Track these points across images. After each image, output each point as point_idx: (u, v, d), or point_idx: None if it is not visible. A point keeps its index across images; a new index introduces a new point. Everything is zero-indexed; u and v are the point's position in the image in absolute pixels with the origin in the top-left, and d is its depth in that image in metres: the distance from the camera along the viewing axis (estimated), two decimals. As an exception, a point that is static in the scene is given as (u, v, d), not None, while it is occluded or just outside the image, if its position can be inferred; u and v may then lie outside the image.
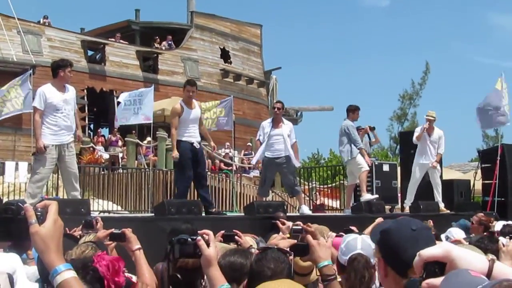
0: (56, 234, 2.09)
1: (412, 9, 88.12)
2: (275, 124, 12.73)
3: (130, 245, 4.00)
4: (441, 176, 14.73)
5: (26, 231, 2.09)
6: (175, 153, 10.95)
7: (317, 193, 21.87)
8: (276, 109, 12.84)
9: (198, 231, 3.24)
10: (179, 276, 3.40)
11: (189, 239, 3.14)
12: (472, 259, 1.66)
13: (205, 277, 3.23)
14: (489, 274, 1.60)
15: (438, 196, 14.31)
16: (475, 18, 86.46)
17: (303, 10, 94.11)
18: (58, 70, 9.73)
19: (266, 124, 12.85)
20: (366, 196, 13.41)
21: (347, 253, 4.01)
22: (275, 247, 3.41)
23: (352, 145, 13.56)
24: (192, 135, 11.20)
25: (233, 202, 19.88)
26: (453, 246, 1.73)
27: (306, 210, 12.60)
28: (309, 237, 3.44)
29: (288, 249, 3.29)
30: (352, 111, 13.82)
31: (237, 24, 35.24)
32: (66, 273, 2.05)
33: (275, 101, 13.51)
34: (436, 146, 14.32)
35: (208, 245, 3.11)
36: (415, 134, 14.34)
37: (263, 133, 12.65)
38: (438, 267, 1.68)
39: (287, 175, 12.86)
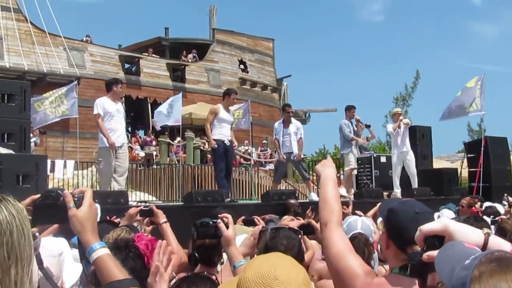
0: (91, 217, 2.09)
1: (403, 22, 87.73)
2: (286, 124, 12.94)
3: (158, 219, 3.97)
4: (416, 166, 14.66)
5: (64, 215, 2.08)
6: (213, 143, 11.25)
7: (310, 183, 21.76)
8: (287, 112, 13.04)
9: (219, 215, 3.22)
10: (196, 254, 3.41)
11: (211, 222, 3.17)
12: (468, 233, 1.62)
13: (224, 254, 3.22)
14: (484, 246, 1.56)
15: (413, 177, 14.24)
16: (457, 27, 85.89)
17: (309, 25, 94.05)
18: (112, 86, 10.42)
19: (277, 124, 13.14)
20: (341, 191, 13.33)
21: (348, 233, 3.98)
22: (287, 226, 3.38)
23: (344, 142, 13.77)
24: (224, 134, 11.50)
25: (251, 191, 19.87)
26: (450, 221, 1.70)
27: (314, 196, 12.56)
28: (313, 221, 3.41)
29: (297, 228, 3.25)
30: (348, 109, 14.10)
31: (252, 39, 35.21)
32: (101, 251, 2.04)
33: (285, 104, 13.55)
34: (405, 137, 14.24)
35: (227, 227, 3.13)
36: (390, 126, 14.32)
37: (276, 133, 13.00)
38: (437, 240, 1.65)
39: (297, 165, 13.23)
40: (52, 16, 25.68)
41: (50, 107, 17.12)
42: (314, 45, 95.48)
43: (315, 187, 13.91)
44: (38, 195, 2.13)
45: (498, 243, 1.56)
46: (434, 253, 1.57)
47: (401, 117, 14.37)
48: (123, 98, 26.48)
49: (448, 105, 17.00)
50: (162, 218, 3.96)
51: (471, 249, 1.46)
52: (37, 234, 2.16)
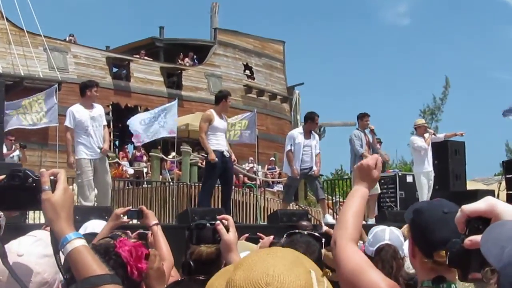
0: (66, 203, 2.05)
1: (431, 27, 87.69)
2: (307, 135, 12.85)
3: (148, 221, 4.06)
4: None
5: (33, 199, 2.05)
6: (213, 156, 11.12)
7: (341, 207, 21.74)
8: (316, 123, 13.18)
9: (217, 216, 3.18)
10: (191, 263, 3.28)
11: (208, 224, 3.07)
12: None
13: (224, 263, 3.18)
14: None
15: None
16: (491, 32, 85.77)
17: (326, 26, 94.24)
18: (85, 90, 10.62)
19: (297, 134, 12.91)
20: (369, 221, 13.15)
21: (375, 244, 3.96)
22: (305, 232, 3.36)
23: (355, 157, 13.50)
24: (221, 144, 11.49)
25: (257, 215, 19.83)
26: (498, 200, 1.63)
27: (330, 219, 12.54)
28: (331, 230, 3.41)
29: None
30: (360, 118, 13.83)
31: (260, 41, 35.30)
32: (77, 241, 1.99)
33: (312, 112, 13.24)
34: (430, 153, 14.25)
35: (227, 230, 3.05)
36: (420, 141, 14.11)
37: (294, 143, 12.72)
38: (481, 223, 1.58)
39: (313, 182, 13.08)
40: (32, 12, 25.83)
41: (24, 112, 17.15)
42: (331, 49, 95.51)
43: (331, 211, 13.93)
44: (2, 176, 2.09)
45: None
46: (477, 237, 1.50)
47: (430, 130, 14.36)
48: (110, 107, 26.71)
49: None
50: (153, 219, 4.02)
51: None
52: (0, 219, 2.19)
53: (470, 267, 1.58)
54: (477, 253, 1.46)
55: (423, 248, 2.52)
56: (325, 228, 4.90)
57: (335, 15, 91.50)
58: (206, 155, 11.61)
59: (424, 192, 14.21)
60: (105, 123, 11.14)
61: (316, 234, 3.23)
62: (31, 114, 17.25)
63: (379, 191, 14.29)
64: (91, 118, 10.54)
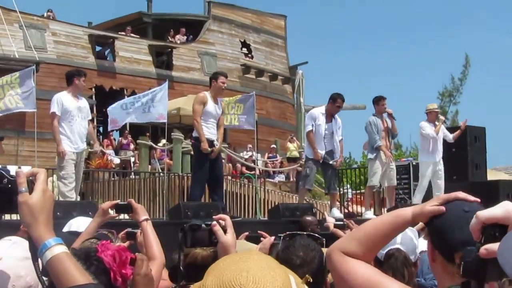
0: (45, 205, 2.04)
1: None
2: (329, 118, 12.84)
3: (137, 216, 4.03)
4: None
5: (8, 201, 2.04)
6: (206, 145, 11.14)
7: (349, 201, 21.72)
8: (337, 106, 12.92)
9: (214, 216, 3.17)
10: (181, 268, 3.26)
11: (203, 225, 3.04)
12: None
13: None
14: None
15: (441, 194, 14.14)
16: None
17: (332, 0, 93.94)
18: (73, 78, 11.03)
19: (318, 114, 12.87)
20: (366, 214, 13.24)
21: (385, 247, 3.96)
22: (305, 233, 3.35)
23: (371, 146, 13.49)
24: (212, 132, 11.49)
25: (256, 209, 19.83)
26: None
27: (337, 213, 12.58)
28: (339, 230, 3.42)
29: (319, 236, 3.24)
30: (376, 102, 13.71)
31: (259, 15, 35.21)
32: (57, 248, 1.98)
33: (336, 94, 13.08)
34: (441, 142, 14.30)
35: (225, 231, 3.02)
36: (429, 128, 14.12)
37: (315, 124, 12.72)
38: (498, 230, 1.61)
39: (331, 173, 13.11)
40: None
41: None
42: (338, 24, 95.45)
43: (338, 204, 13.95)
44: None
45: None
46: (493, 246, 1.53)
47: (441, 117, 14.36)
48: (94, 90, 26.68)
49: None
50: (143, 214, 4.02)
51: None
52: None
53: (486, 277, 1.58)
54: (494, 262, 1.49)
55: (444, 250, 2.52)
56: (331, 225, 4.88)
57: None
58: (196, 142, 11.49)
59: (424, 184, 14.24)
60: (90, 117, 11.56)
61: (317, 235, 3.21)
62: (4, 98, 17.15)
63: (396, 183, 14.33)
64: (78, 108, 10.98)
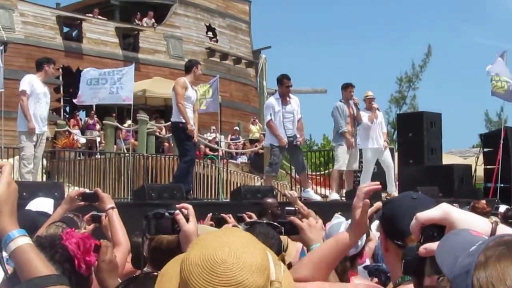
0: (10, 198, 2.03)
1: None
2: (285, 100, 12.76)
3: (104, 205, 4.07)
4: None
5: None
6: (191, 127, 11.26)
7: (310, 181, 21.83)
8: (285, 86, 12.82)
9: (177, 205, 3.17)
10: (144, 255, 3.31)
11: (167, 214, 3.03)
12: (473, 221, 1.62)
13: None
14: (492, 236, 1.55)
15: (392, 179, 14.27)
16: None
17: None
18: (43, 65, 11.39)
19: (274, 102, 12.81)
20: (331, 196, 13.41)
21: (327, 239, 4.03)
22: (264, 221, 3.37)
23: (336, 131, 13.53)
24: (190, 117, 11.47)
25: (219, 189, 19.85)
26: (453, 207, 1.69)
27: (312, 194, 12.78)
28: (296, 219, 3.39)
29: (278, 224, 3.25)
30: (344, 88, 13.70)
31: (224, 0, 35.08)
32: (20, 240, 1.98)
33: (282, 75, 13.03)
34: (380, 127, 14.42)
35: (187, 220, 3.02)
36: (365, 117, 14.12)
37: (273, 112, 12.64)
38: (436, 230, 1.64)
39: (298, 153, 13.13)
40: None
41: None
42: (301, 10, 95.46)
43: (298, 186, 13.98)
44: None
45: (507, 232, 1.55)
46: (432, 245, 1.57)
47: (374, 104, 14.40)
48: (61, 70, 26.40)
49: None
50: (109, 203, 4.05)
51: (478, 237, 1.47)
52: None
53: (426, 272, 1.65)
54: (433, 259, 1.52)
55: (396, 237, 2.58)
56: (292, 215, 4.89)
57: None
58: (182, 125, 11.45)
59: (369, 169, 14.35)
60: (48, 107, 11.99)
61: (276, 224, 3.21)
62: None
63: (358, 168, 14.42)
64: (44, 93, 11.36)
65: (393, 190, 14.06)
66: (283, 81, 12.90)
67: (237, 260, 1.79)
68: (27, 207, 4.97)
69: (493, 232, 1.57)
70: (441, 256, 1.46)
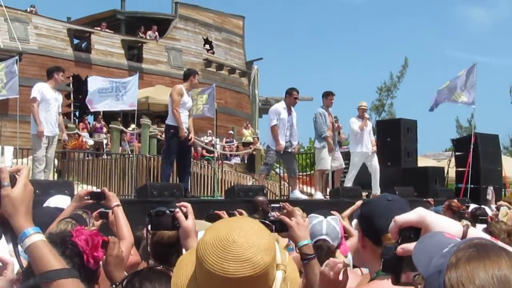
0: (26, 198, 2.03)
1: (388, 7, 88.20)
2: (289, 110, 12.79)
3: (110, 203, 4.07)
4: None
5: None
6: (183, 132, 11.25)
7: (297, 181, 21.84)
8: (294, 97, 12.85)
9: (177, 204, 3.18)
10: (149, 249, 3.37)
11: (167, 211, 3.07)
12: (446, 224, 1.64)
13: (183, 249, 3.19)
14: (463, 238, 1.57)
15: (377, 181, 14.26)
16: (447, 12, 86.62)
17: (284, 2, 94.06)
18: (53, 73, 11.28)
19: (281, 109, 12.78)
20: (316, 195, 13.39)
21: (313, 238, 4.00)
22: (257, 219, 3.36)
23: (319, 135, 13.51)
24: (184, 122, 11.46)
25: (214, 188, 19.82)
26: (428, 211, 1.70)
27: (298, 194, 12.77)
28: (285, 218, 3.38)
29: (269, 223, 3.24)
30: (325, 96, 13.68)
31: (220, 15, 35.05)
32: (35, 236, 1.99)
33: (292, 88, 13.03)
34: (370, 134, 14.40)
35: (186, 217, 3.06)
36: (356, 124, 14.16)
37: (279, 118, 12.61)
38: (413, 232, 1.66)
39: (291, 159, 13.14)
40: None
41: None
42: (290, 26, 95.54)
43: (286, 185, 13.98)
44: None
45: (478, 235, 1.57)
46: (409, 245, 1.58)
47: (366, 114, 14.43)
48: (71, 78, 26.34)
49: (436, 96, 17.11)
50: (114, 201, 4.06)
51: (452, 239, 1.48)
52: None
53: (402, 270, 1.63)
54: (408, 259, 1.54)
55: (373, 236, 2.60)
56: (277, 211, 4.88)
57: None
58: (173, 129, 11.46)
59: (353, 172, 14.33)
60: (61, 110, 11.87)
61: (267, 222, 3.21)
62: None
63: (344, 166, 14.40)
64: (54, 99, 11.29)
65: (377, 191, 14.06)
66: (292, 93, 12.93)
67: (247, 240, 1.86)
68: (46, 204, 4.97)
69: (464, 234, 1.59)
70: (417, 256, 1.48)
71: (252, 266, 1.84)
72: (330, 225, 4.12)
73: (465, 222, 1.69)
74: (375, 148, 14.41)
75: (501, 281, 1.26)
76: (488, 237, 1.56)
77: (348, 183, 14.19)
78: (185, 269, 2.00)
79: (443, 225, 1.63)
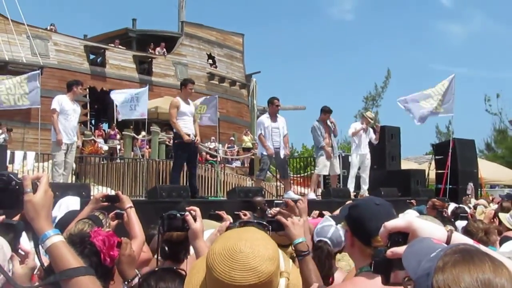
0: (46, 203, 2.03)
1: (374, 22, 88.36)
2: (273, 118, 12.69)
3: (123, 205, 4.03)
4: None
5: (15, 200, 2.01)
6: (186, 137, 11.20)
7: (291, 182, 21.82)
8: (275, 105, 12.77)
9: (186, 207, 3.18)
10: (166, 248, 3.39)
11: (178, 214, 3.09)
12: (432, 229, 1.64)
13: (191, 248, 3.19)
14: (448, 243, 1.59)
15: (367, 178, 14.20)
16: (426, 27, 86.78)
17: (280, 21, 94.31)
18: (72, 86, 11.29)
19: (265, 119, 12.73)
20: (309, 195, 13.34)
21: (317, 237, 4.00)
22: (255, 221, 3.35)
23: (316, 146, 13.54)
24: (188, 127, 11.41)
25: (217, 188, 19.81)
26: (415, 218, 1.72)
27: (292, 194, 12.63)
28: (282, 218, 3.36)
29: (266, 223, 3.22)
30: (324, 112, 13.63)
31: (221, 33, 35.08)
32: (55, 238, 1.99)
33: (272, 97, 13.01)
34: (367, 139, 14.32)
35: (195, 220, 3.07)
36: (352, 130, 14.15)
37: (264, 127, 12.56)
38: (401, 237, 1.67)
39: (282, 163, 13.01)
40: (16, 2, 25.26)
41: (7, 93, 16.81)
42: (285, 42, 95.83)
43: (282, 186, 13.93)
44: None
45: (461, 239, 1.59)
46: (397, 249, 1.59)
47: (368, 124, 14.41)
48: (88, 90, 26.33)
49: (415, 109, 16.94)
50: (127, 203, 4.04)
51: (439, 244, 1.49)
52: None
53: (393, 268, 1.64)
54: (397, 261, 1.56)
55: (362, 237, 2.59)
56: (276, 210, 4.86)
57: (288, 11, 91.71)
58: (176, 137, 11.50)
59: (352, 173, 14.26)
60: (78, 120, 11.75)
61: (264, 223, 3.20)
62: (14, 95, 16.92)
63: (339, 172, 14.35)
64: (73, 109, 11.25)
65: (365, 190, 14.04)
66: (274, 101, 12.86)
67: (253, 250, 1.87)
68: (58, 204, 4.92)
69: (448, 239, 1.60)
70: (407, 260, 1.49)
71: (257, 275, 1.85)
72: (337, 231, 4.11)
73: (449, 227, 1.68)
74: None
75: (485, 284, 1.27)
76: (470, 241, 1.56)
77: (351, 180, 14.16)
78: (197, 276, 2.00)
79: (429, 231, 1.64)
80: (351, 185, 14.04)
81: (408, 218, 1.70)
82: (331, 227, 4.11)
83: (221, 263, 1.85)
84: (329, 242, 4.04)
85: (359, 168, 14.15)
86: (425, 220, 1.89)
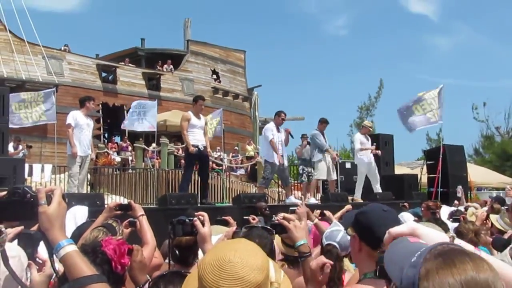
0: (60, 214, 2.01)
1: (366, 37, 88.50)
2: (278, 129, 12.74)
3: (135, 213, 3.99)
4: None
5: (31, 212, 1.99)
6: (192, 148, 11.25)
7: (292, 187, 21.76)
8: (281, 118, 12.87)
9: (195, 213, 3.15)
10: (177, 252, 3.38)
11: (187, 220, 3.07)
12: (434, 236, 1.61)
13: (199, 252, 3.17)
14: None
15: (379, 187, 14.16)
16: (416, 41, 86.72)
17: (279, 38, 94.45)
18: (85, 102, 11.28)
19: (273, 127, 12.76)
20: (310, 200, 13.30)
21: (327, 240, 3.98)
22: (259, 225, 3.33)
23: (314, 151, 13.51)
24: (198, 139, 11.50)
25: (223, 195, 19.76)
26: (418, 224, 1.68)
27: (293, 198, 12.61)
28: (285, 222, 3.34)
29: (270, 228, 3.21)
30: (321, 122, 13.71)
31: (225, 50, 35.16)
32: (68, 247, 1.95)
33: (280, 111, 13.05)
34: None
35: (203, 225, 3.05)
36: (358, 145, 14.13)
37: (273, 134, 12.59)
38: None
39: (284, 170, 13.02)
40: (31, 25, 25.40)
41: (26, 112, 16.90)
42: (283, 57, 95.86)
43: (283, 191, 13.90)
44: (4, 192, 2.03)
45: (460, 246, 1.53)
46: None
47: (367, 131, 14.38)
48: (100, 106, 26.37)
49: (406, 117, 16.86)
50: (139, 211, 4.01)
51: (416, 244, 1.46)
52: (3, 229, 2.09)
53: None
54: None
55: (371, 242, 2.54)
56: (280, 216, 4.84)
57: (286, 29, 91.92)
58: (187, 148, 11.53)
59: (360, 180, 14.19)
60: (91, 133, 11.73)
61: (268, 227, 3.19)
62: (32, 113, 16.99)
63: (336, 178, 14.30)
64: (87, 124, 11.25)
65: (378, 190, 14.03)
66: (280, 114, 12.99)
67: (241, 260, 1.82)
68: (69, 212, 4.84)
69: None
70: (388, 266, 1.46)
71: (244, 284, 1.79)
72: (345, 236, 4.06)
73: (451, 233, 1.64)
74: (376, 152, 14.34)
75: (469, 283, 1.25)
76: (471, 248, 1.51)
77: (358, 188, 14.07)
78: (193, 284, 1.95)
79: (431, 237, 1.60)
80: (358, 193, 14.00)
81: (412, 225, 1.67)
82: (339, 232, 4.07)
83: (211, 273, 1.81)
84: (337, 246, 4.00)
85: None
86: (427, 226, 1.86)
